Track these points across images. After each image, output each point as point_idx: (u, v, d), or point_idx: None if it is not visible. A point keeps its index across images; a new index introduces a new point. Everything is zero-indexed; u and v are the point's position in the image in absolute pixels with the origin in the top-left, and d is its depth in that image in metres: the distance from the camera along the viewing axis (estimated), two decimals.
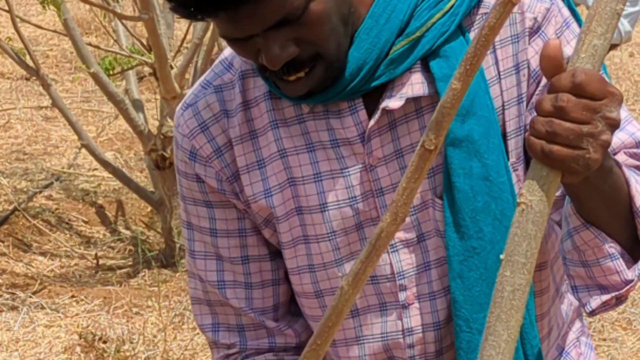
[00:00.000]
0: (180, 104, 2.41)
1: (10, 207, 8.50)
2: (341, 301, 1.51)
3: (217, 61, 2.41)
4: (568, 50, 2.14)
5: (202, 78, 2.41)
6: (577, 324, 2.56)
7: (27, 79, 9.98)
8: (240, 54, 2.23)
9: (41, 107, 10.24)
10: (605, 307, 2.18)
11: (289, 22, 2.09)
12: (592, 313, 2.21)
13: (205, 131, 2.37)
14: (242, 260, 2.42)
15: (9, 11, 7.22)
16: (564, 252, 2.20)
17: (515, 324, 1.73)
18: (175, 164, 2.46)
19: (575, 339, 2.55)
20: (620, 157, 2.16)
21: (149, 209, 8.21)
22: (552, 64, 1.81)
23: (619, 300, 2.17)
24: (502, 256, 1.75)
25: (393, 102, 2.24)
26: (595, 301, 2.17)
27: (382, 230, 1.49)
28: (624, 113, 2.14)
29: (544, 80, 2.21)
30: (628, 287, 2.14)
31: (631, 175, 2.10)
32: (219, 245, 2.42)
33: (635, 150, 2.21)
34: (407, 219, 2.29)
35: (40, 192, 8.86)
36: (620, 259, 2.12)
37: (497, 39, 2.22)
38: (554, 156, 1.77)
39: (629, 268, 2.12)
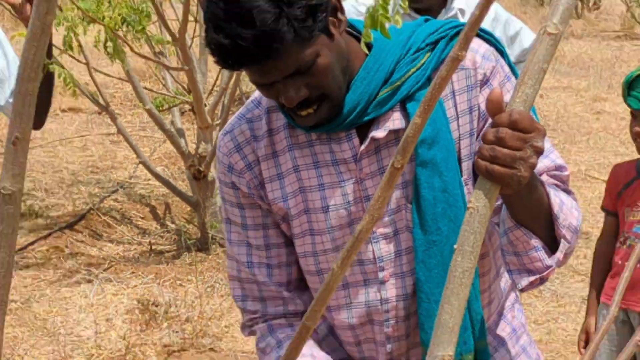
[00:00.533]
0: (221, 131, 2.43)
1: (87, 207, 8.46)
2: (332, 278, 1.50)
3: (249, 99, 2.43)
4: (507, 97, 2.11)
5: (238, 112, 2.43)
6: (512, 295, 2.57)
7: (99, 113, 9.92)
8: (266, 95, 2.23)
9: (109, 134, 10.19)
10: (532, 285, 2.22)
11: (301, 72, 2.11)
12: (522, 290, 2.26)
13: (240, 151, 2.38)
14: (265, 247, 2.43)
15: (87, 64, 7.18)
16: (502, 245, 2.23)
17: (463, 296, 1.72)
18: (218, 176, 2.48)
19: (511, 305, 2.56)
20: (544, 177, 2.20)
21: (189, 208, 8.18)
22: (495, 106, 1.82)
23: (542, 280, 2.21)
24: (455, 246, 1.75)
25: (379, 133, 2.26)
26: (525, 281, 2.20)
27: (362, 227, 1.47)
28: (547, 144, 2.16)
29: (490, 120, 2.18)
30: (548, 271, 2.17)
31: (551, 190, 2.14)
32: (248, 236, 2.43)
33: (554, 172, 2.25)
34: (386, 219, 2.31)
35: (109, 196, 8.82)
36: (542, 251, 2.15)
37: (456, 87, 2.26)
38: (495, 174, 1.78)
39: (548, 257, 2.15)
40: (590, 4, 22.80)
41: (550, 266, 2.17)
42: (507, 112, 1.80)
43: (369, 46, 2.26)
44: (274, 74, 2.11)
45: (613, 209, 4.16)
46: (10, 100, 3.93)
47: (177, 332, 6.10)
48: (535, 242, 2.14)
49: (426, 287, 2.27)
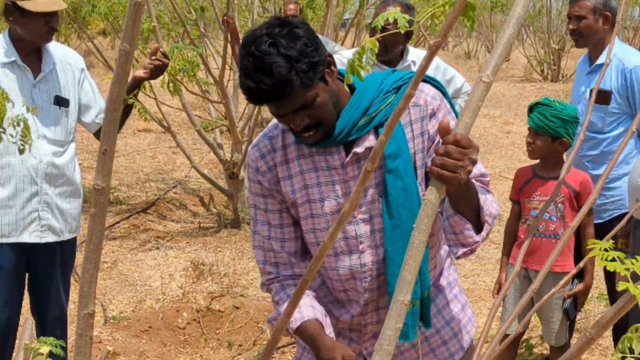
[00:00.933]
0: (251, 145, 2.43)
1: (155, 197, 8.45)
2: (323, 247, 1.48)
3: (270, 123, 2.43)
4: (452, 124, 2.21)
5: (262, 132, 2.43)
6: (448, 260, 2.56)
7: (163, 133, 9.91)
8: (280, 122, 2.23)
9: (171, 147, 10.18)
10: (465, 255, 2.23)
11: (305, 107, 2.14)
12: (458, 257, 2.25)
13: (263, 158, 2.38)
14: (280, 226, 2.41)
15: (155, 98, 7.14)
16: (444, 227, 2.23)
17: (419, 260, 1.72)
18: (247, 175, 2.45)
19: (447, 266, 2.54)
20: (473, 181, 2.19)
21: (226, 198, 8.16)
22: (444, 131, 1.83)
23: (472, 251, 2.22)
24: (414, 225, 1.74)
25: (359, 149, 2.27)
26: (460, 252, 2.22)
27: (344, 211, 1.45)
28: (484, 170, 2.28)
29: (437, 140, 2.26)
30: (476, 244, 2.20)
31: (478, 187, 2.18)
32: (268, 217, 2.41)
33: (480, 178, 2.26)
34: (364, 208, 2.30)
35: (171, 190, 8.80)
36: (472, 231, 2.16)
37: (413, 118, 2.26)
38: (443, 176, 1.79)
39: (476, 235, 2.17)
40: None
41: (478, 241, 2.18)
42: (452, 134, 1.83)
43: (352, 87, 2.28)
44: (286, 109, 2.14)
45: (517, 199, 4.17)
46: (97, 120, 3.92)
47: (217, 283, 6.08)
48: (468, 224, 2.15)
49: (392, 255, 2.26)
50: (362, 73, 2.35)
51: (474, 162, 1.87)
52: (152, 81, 6.61)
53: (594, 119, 4.39)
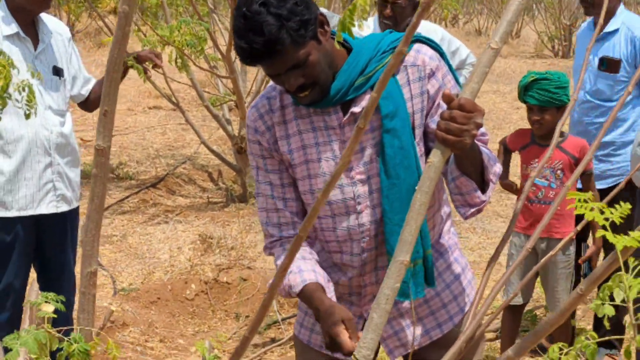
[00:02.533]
0: (250, 106, 2.45)
1: (165, 173, 8.49)
2: (317, 203, 1.51)
3: (268, 85, 2.45)
4: (449, 85, 2.28)
5: (262, 93, 2.44)
6: (448, 223, 2.56)
7: (173, 110, 9.94)
8: (276, 82, 2.25)
9: (180, 124, 10.22)
10: (473, 214, 2.25)
11: (298, 66, 2.15)
12: (466, 218, 2.28)
13: (262, 118, 2.38)
14: (281, 185, 2.41)
15: (164, 74, 7.16)
16: (450, 189, 2.26)
17: (419, 221, 1.77)
18: (247, 136, 2.46)
19: (447, 230, 2.55)
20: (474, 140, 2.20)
21: (234, 173, 8.18)
22: (448, 99, 1.89)
23: (479, 210, 2.25)
24: (416, 187, 1.79)
25: (356, 109, 2.27)
26: (468, 212, 2.25)
27: (337, 168, 1.47)
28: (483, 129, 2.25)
29: (437, 100, 2.27)
30: (483, 204, 2.22)
31: (482, 148, 2.20)
32: (270, 177, 2.42)
33: (479, 137, 2.26)
34: (362, 168, 2.31)
35: (180, 165, 8.83)
36: (478, 191, 2.19)
37: (411, 78, 2.26)
38: (448, 141, 1.85)
39: (483, 194, 2.20)
40: (513, 34, 22.68)
41: (485, 201, 2.21)
42: (457, 99, 1.88)
43: (350, 48, 2.29)
44: (279, 68, 2.16)
45: (512, 149, 4.25)
46: (82, 92, 3.98)
47: (225, 255, 6.12)
48: (473, 184, 2.17)
49: (390, 214, 2.27)
50: (364, 36, 2.38)
51: (479, 126, 1.92)
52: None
53: (602, 87, 4.40)
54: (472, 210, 2.23)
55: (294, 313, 5.30)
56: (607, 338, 1.57)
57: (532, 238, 1.97)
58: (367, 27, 4.39)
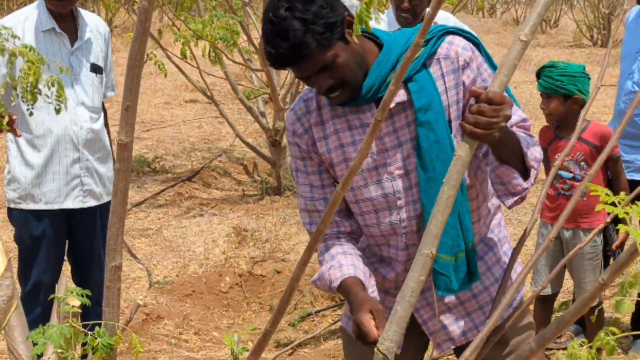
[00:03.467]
0: (289, 109, 2.48)
1: (201, 166, 8.53)
2: (336, 196, 1.51)
3: (306, 87, 2.45)
4: (485, 75, 2.27)
5: (299, 96, 2.45)
6: (498, 215, 2.54)
7: (209, 103, 9.98)
8: (307, 85, 2.28)
9: (216, 117, 10.27)
10: (516, 203, 2.23)
11: (326, 68, 2.16)
12: (510, 207, 2.25)
13: (299, 120, 2.39)
14: (322, 186, 2.43)
15: (198, 68, 7.21)
16: (491, 178, 2.25)
17: (446, 214, 1.79)
18: (287, 139, 2.48)
19: (497, 223, 2.52)
20: (514, 129, 2.22)
21: (269, 166, 8.21)
22: (474, 93, 1.91)
23: (522, 198, 2.22)
24: (444, 180, 1.80)
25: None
26: (511, 201, 2.22)
27: (355, 162, 1.47)
28: (515, 108, 2.25)
29: None
30: (525, 192, 2.20)
31: (520, 135, 2.18)
32: (310, 179, 2.43)
33: (521, 123, 2.27)
34: (400, 163, 2.30)
35: (215, 158, 8.88)
36: (520, 179, 2.17)
37: (445, 71, 2.25)
38: (476, 134, 1.87)
39: (525, 182, 2.18)
40: (552, 23, 22.45)
41: (527, 188, 2.19)
42: (485, 92, 1.88)
43: (381, 45, 2.28)
44: (307, 71, 2.17)
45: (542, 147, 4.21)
46: (107, 94, 4.04)
47: (259, 248, 6.14)
48: (515, 173, 2.16)
49: (428, 208, 2.25)
50: (394, 31, 2.37)
51: (507, 118, 1.92)
52: (195, 51, 6.71)
53: None
54: (515, 198, 2.22)
55: (328, 305, 5.30)
56: (633, 333, 1.55)
57: (554, 228, 1.96)
58: (381, 20, 4.34)
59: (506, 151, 2.13)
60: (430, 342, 2.51)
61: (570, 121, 3.98)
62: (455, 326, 2.47)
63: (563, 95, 3.90)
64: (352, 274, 2.29)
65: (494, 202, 2.49)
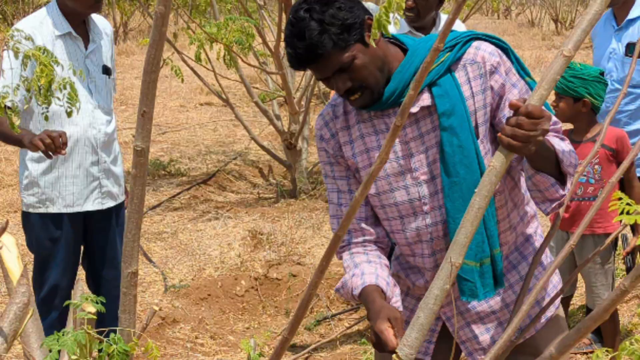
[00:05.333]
0: (318, 115, 2.46)
1: (216, 169, 8.53)
2: (355, 202, 1.49)
3: (334, 93, 2.45)
4: (514, 79, 2.26)
5: (328, 102, 2.47)
6: (535, 224, 2.52)
7: (224, 106, 9.97)
8: (326, 86, 2.28)
9: (231, 120, 10.27)
10: (554, 209, 2.23)
11: (344, 70, 2.18)
12: (548, 213, 2.26)
13: (327, 125, 2.41)
14: (349, 192, 2.43)
15: (213, 71, 7.22)
16: (528, 186, 2.24)
17: (476, 225, 1.79)
18: (316, 144, 2.48)
19: (533, 232, 2.50)
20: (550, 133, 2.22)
21: (284, 169, 8.20)
22: (514, 106, 1.90)
23: (560, 204, 2.21)
24: (476, 190, 1.80)
25: (414, 109, 2.26)
26: (549, 208, 2.23)
27: (374, 167, 1.45)
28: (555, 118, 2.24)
29: (505, 95, 2.25)
30: (563, 197, 2.19)
31: (555, 142, 2.18)
32: (337, 184, 2.44)
33: (553, 127, 2.25)
34: (426, 169, 2.30)
35: (231, 161, 8.88)
36: (557, 185, 2.17)
37: (471, 76, 2.24)
38: (514, 146, 1.86)
39: (562, 189, 2.18)
40: (567, 24, 22.35)
41: (564, 194, 2.19)
42: (525, 105, 1.87)
43: (406, 51, 2.29)
44: (324, 71, 2.19)
45: None
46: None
47: (275, 251, 6.13)
48: (551, 180, 2.15)
49: (452, 213, 2.25)
50: (418, 37, 2.36)
51: (545, 133, 1.92)
52: (210, 54, 6.71)
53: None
54: (553, 205, 2.22)
55: (344, 309, 5.28)
56: None
57: (575, 235, 1.94)
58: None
59: (541, 159, 2.12)
60: (462, 352, 2.49)
61: (583, 124, 3.97)
62: (487, 335, 2.44)
63: (572, 96, 3.89)
64: (372, 282, 2.28)
65: (527, 210, 2.47)
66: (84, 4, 3.69)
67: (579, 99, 3.90)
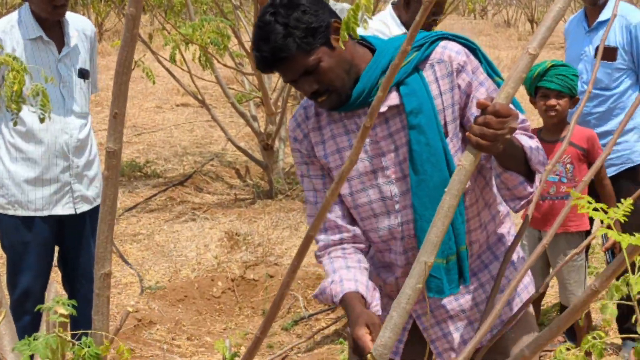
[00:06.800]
0: (291, 117, 2.48)
1: (192, 170, 8.52)
2: (325, 203, 1.50)
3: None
4: (481, 77, 2.28)
5: (301, 103, 2.48)
6: (507, 225, 2.53)
7: (200, 107, 9.92)
8: (295, 88, 2.31)
9: (208, 121, 10.24)
10: (523, 206, 2.24)
11: (310, 72, 2.19)
12: (517, 211, 2.27)
13: (299, 127, 2.42)
14: (324, 191, 2.44)
15: (189, 72, 7.21)
16: (497, 184, 2.26)
17: (447, 224, 1.80)
18: (290, 146, 2.53)
19: (507, 232, 2.52)
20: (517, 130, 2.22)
21: (261, 170, 8.20)
22: (482, 105, 1.90)
23: (529, 202, 2.22)
24: (446, 189, 1.81)
25: (382, 108, 2.28)
26: (518, 205, 2.24)
27: (343, 170, 1.47)
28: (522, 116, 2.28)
29: (472, 93, 2.26)
30: (531, 195, 2.20)
31: (523, 140, 2.19)
32: (313, 183, 2.45)
33: (520, 125, 2.24)
34: (397, 167, 2.31)
35: (207, 162, 8.86)
36: (525, 182, 2.18)
37: (439, 75, 2.26)
38: (482, 145, 1.87)
39: (530, 186, 2.19)
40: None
41: (532, 192, 2.20)
42: (492, 104, 1.88)
43: (374, 50, 2.31)
44: (291, 74, 2.21)
45: None
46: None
47: (252, 252, 6.13)
48: (520, 178, 2.17)
49: (419, 210, 2.27)
50: (388, 37, 2.37)
51: (513, 131, 1.93)
52: (186, 55, 6.70)
53: (600, 75, 4.41)
54: (522, 202, 2.23)
55: (321, 309, 5.30)
56: (621, 336, 1.55)
57: (548, 234, 1.96)
58: (383, 23, 4.32)
59: (509, 157, 2.14)
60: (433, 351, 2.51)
61: (558, 123, 4.01)
62: (456, 334, 2.46)
63: (570, 95, 3.95)
64: (352, 289, 2.29)
65: (500, 209, 2.48)
66: (43, 9, 3.65)
67: (572, 97, 3.97)
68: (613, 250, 4.14)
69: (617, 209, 1.27)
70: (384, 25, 4.22)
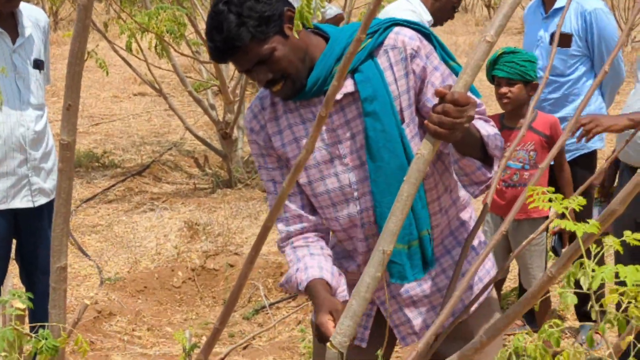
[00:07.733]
0: (247, 108, 2.47)
1: (151, 160, 8.47)
2: (283, 192, 1.50)
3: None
4: (436, 62, 2.29)
5: (257, 94, 2.47)
6: (469, 211, 2.55)
7: (157, 96, 9.86)
8: (249, 78, 2.30)
9: (166, 109, 10.18)
10: (482, 191, 2.24)
11: (264, 62, 2.18)
12: (476, 196, 2.28)
13: (255, 118, 2.42)
14: (282, 181, 2.43)
15: (145, 61, 7.15)
16: (455, 170, 2.26)
17: (405, 212, 1.80)
18: (246, 137, 2.49)
19: (468, 217, 2.53)
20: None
21: (220, 159, 8.18)
22: (440, 94, 1.89)
23: (488, 187, 2.23)
24: (405, 178, 1.81)
25: (338, 96, 2.28)
26: (477, 190, 2.24)
27: (299, 159, 1.47)
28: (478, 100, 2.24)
29: (426, 78, 2.26)
30: (489, 180, 2.21)
31: (479, 124, 2.20)
32: (272, 174, 2.44)
33: (478, 109, 2.25)
34: (355, 155, 2.31)
35: (166, 152, 8.82)
36: (483, 168, 2.18)
37: (393, 61, 2.26)
38: (440, 134, 1.86)
39: (488, 171, 2.19)
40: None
41: (491, 177, 2.21)
42: (450, 93, 1.88)
43: (328, 39, 2.30)
44: (245, 64, 2.20)
45: None
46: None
47: (212, 242, 6.12)
48: (477, 163, 2.17)
49: (378, 197, 2.28)
50: (341, 25, 2.37)
51: (471, 119, 1.93)
52: (142, 44, 6.65)
53: (555, 62, 4.46)
54: (481, 187, 2.24)
55: (282, 298, 5.31)
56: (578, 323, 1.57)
57: (505, 221, 1.98)
58: (412, 12, 4.12)
59: (466, 144, 2.14)
60: (396, 337, 2.53)
61: (519, 109, 4.03)
62: (419, 319, 2.48)
63: (523, 81, 3.96)
64: (317, 276, 2.30)
65: (461, 195, 2.50)
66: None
67: (528, 82, 3.97)
68: (561, 236, 4.20)
69: (572, 199, 1.29)
70: (414, 13, 4.07)
